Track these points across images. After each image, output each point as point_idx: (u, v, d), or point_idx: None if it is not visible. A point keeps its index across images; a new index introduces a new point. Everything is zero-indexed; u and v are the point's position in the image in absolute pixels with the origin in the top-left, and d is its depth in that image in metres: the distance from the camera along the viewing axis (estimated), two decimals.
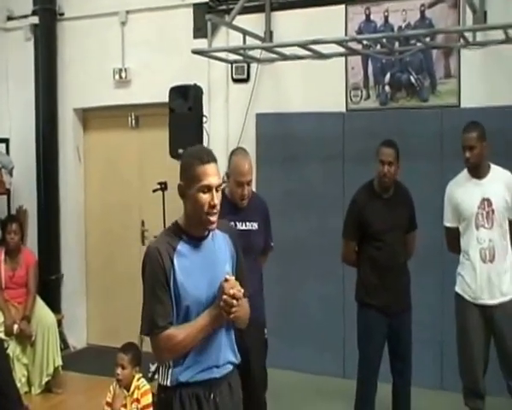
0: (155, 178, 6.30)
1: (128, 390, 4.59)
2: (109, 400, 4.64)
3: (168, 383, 2.71)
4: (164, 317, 2.64)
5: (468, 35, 5.26)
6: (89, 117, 7.62)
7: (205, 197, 2.65)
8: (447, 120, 5.73)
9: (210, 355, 2.74)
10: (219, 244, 2.82)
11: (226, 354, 2.80)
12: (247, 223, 4.25)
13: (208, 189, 2.65)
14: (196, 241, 2.73)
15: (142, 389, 4.62)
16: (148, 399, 4.61)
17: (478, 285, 4.45)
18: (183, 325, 2.66)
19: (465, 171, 4.57)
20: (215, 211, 2.68)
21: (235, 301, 2.63)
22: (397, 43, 5.76)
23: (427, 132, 5.79)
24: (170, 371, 2.70)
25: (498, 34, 5.13)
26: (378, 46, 5.72)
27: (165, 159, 6.06)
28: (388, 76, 5.99)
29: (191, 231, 2.72)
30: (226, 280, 2.66)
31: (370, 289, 4.68)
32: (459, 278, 4.58)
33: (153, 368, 6.17)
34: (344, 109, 6.18)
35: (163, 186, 6.25)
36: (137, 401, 4.59)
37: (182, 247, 2.69)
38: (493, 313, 4.43)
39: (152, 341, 2.68)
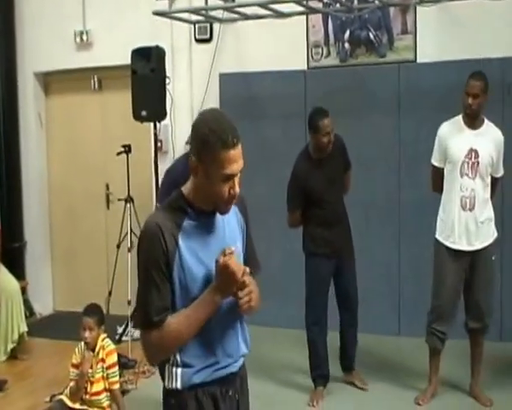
0: (119, 141, 6.57)
1: (93, 351, 4.77)
2: (75, 361, 4.81)
3: (179, 386, 2.40)
4: (159, 310, 2.30)
5: None
6: (50, 81, 7.77)
7: (225, 186, 2.31)
8: (404, 74, 6.18)
9: (227, 351, 2.46)
10: (229, 219, 2.48)
11: (241, 346, 2.53)
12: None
13: (231, 177, 2.32)
14: (205, 217, 2.40)
15: (107, 349, 4.81)
16: (114, 358, 4.83)
17: (456, 232, 4.79)
18: (179, 316, 2.33)
19: (459, 117, 4.84)
20: (234, 200, 2.37)
21: (248, 290, 2.37)
22: (356, 1, 6.13)
23: (386, 87, 6.23)
24: (179, 371, 2.40)
25: None
26: (337, 4, 6.07)
27: (128, 121, 6.30)
28: (348, 33, 6.39)
29: (199, 204, 2.38)
30: (224, 254, 2.31)
31: (317, 240, 5.14)
32: (439, 222, 4.92)
33: (120, 330, 6.51)
34: (305, 67, 6.56)
35: (127, 149, 6.52)
36: (103, 360, 4.76)
37: (188, 224, 2.35)
38: (469, 257, 4.81)
39: (144, 337, 2.36)
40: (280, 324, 6.46)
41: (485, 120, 4.86)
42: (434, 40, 6.10)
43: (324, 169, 5.06)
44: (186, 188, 2.42)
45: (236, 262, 2.33)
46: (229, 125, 2.32)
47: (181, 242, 2.31)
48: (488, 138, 4.80)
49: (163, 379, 2.46)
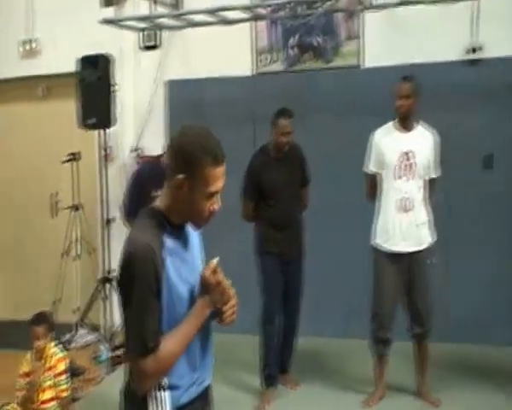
0: (67, 149, 6.62)
1: (41, 359, 4.80)
2: (24, 371, 4.82)
3: None
4: (154, 334, 2.23)
5: None
6: None
7: (208, 203, 2.31)
8: (350, 79, 6.34)
9: (205, 365, 2.48)
10: (193, 236, 2.49)
11: (212, 356, 2.54)
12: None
13: (215, 194, 2.32)
14: (178, 231, 2.37)
15: (57, 357, 4.85)
16: (63, 365, 4.87)
17: (394, 234, 4.91)
18: (172, 336, 2.28)
19: (392, 122, 4.99)
20: (213, 216, 2.36)
21: (233, 304, 2.41)
22: (302, 8, 6.20)
23: (332, 92, 6.38)
24: (167, 394, 2.33)
25: None
26: (284, 11, 6.18)
27: (76, 129, 6.38)
28: (294, 39, 6.51)
29: (174, 219, 2.35)
30: (212, 269, 2.34)
31: (268, 241, 5.26)
32: (376, 229, 5.03)
33: (67, 338, 6.53)
34: (252, 73, 6.67)
35: (74, 157, 6.59)
36: (51, 368, 4.79)
37: (168, 240, 2.29)
38: (406, 260, 4.92)
39: (138, 365, 2.24)
40: (232, 330, 6.48)
41: (419, 123, 4.99)
42: (379, 45, 6.26)
43: (280, 169, 5.20)
44: (161, 202, 2.36)
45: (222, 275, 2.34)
46: (216, 142, 2.32)
47: (167, 261, 2.26)
48: (422, 140, 4.94)
49: (144, 407, 2.33)
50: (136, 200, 4.82)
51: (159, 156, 5.19)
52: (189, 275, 2.34)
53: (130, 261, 2.21)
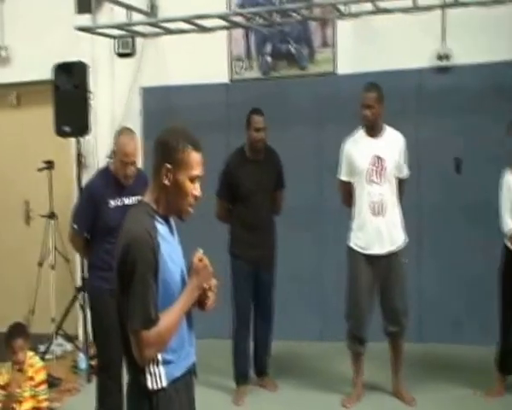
0: (40, 157, 6.66)
1: (21, 370, 4.79)
2: (2, 383, 4.79)
3: (164, 384, 2.63)
4: (155, 309, 2.55)
5: (343, 7, 6.01)
6: None
7: (192, 187, 2.66)
8: (324, 86, 6.58)
9: (191, 341, 2.78)
10: (173, 224, 2.82)
11: (194, 335, 2.83)
12: (133, 197, 4.46)
13: (196, 179, 2.67)
14: (165, 220, 2.71)
15: (36, 366, 4.88)
16: (43, 375, 4.91)
17: (368, 237, 5.11)
18: (169, 312, 2.59)
19: (361, 129, 5.21)
20: (196, 203, 2.70)
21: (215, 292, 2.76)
22: (277, 15, 6.40)
23: (307, 99, 6.61)
24: (162, 369, 2.63)
25: (370, 6, 5.92)
26: (259, 18, 6.33)
27: (50, 137, 6.41)
28: (269, 47, 6.74)
29: (161, 211, 2.68)
30: (199, 257, 2.69)
31: (240, 243, 5.47)
32: (351, 232, 5.23)
33: (42, 348, 6.53)
34: (227, 80, 6.86)
35: (49, 165, 6.63)
36: (31, 378, 4.82)
37: (160, 228, 2.64)
38: (381, 261, 5.13)
39: (141, 337, 2.53)
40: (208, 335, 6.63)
41: (386, 127, 5.22)
42: (353, 53, 6.52)
43: (255, 170, 5.40)
44: (149, 200, 2.70)
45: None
46: (194, 135, 2.70)
47: (161, 246, 2.58)
48: (390, 143, 5.17)
49: (140, 383, 2.64)
50: (87, 213, 4.73)
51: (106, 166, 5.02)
52: (177, 259, 2.71)
53: (130, 247, 2.54)
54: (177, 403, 2.69)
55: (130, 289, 2.54)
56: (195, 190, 2.67)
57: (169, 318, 2.58)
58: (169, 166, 2.61)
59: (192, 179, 2.65)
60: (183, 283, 2.69)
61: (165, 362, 2.64)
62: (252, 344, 5.63)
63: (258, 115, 5.41)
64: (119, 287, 2.60)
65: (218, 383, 5.73)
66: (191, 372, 2.81)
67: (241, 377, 5.54)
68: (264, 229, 5.48)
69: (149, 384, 2.63)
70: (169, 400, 2.66)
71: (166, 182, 2.63)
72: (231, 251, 5.52)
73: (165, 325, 2.56)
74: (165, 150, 2.64)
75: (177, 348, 2.68)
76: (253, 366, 5.67)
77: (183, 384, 2.73)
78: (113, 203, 4.60)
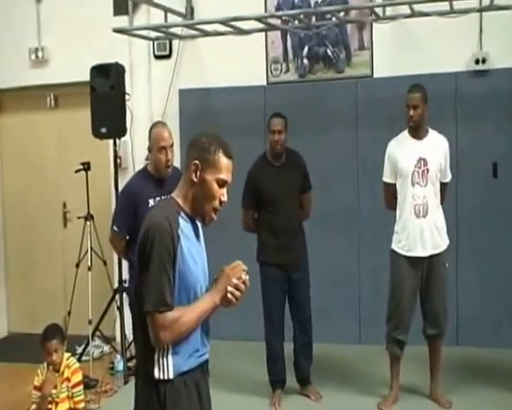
0: (77, 159, 6.70)
1: (58, 371, 4.87)
2: (38, 383, 4.89)
3: (171, 375, 2.69)
4: (171, 295, 2.63)
5: (379, 10, 5.99)
6: (5, 99, 7.90)
7: (218, 190, 2.72)
8: (361, 89, 6.58)
9: (203, 340, 2.82)
10: (200, 231, 2.88)
11: (209, 336, 2.88)
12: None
13: (224, 184, 2.73)
14: (191, 220, 2.77)
15: (73, 368, 4.94)
16: (79, 376, 4.97)
17: (411, 239, 5.13)
18: (187, 307, 2.68)
19: (405, 131, 5.23)
20: (221, 208, 2.76)
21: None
22: (314, 18, 6.45)
23: (344, 102, 6.61)
24: (170, 361, 2.69)
25: (406, 9, 5.88)
26: (296, 21, 6.40)
27: (87, 139, 6.47)
28: (306, 49, 6.76)
29: (187, 209, 2.74)
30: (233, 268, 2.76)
31: (269, 249, 5.47)
32: (395, 235, 5.25)
33: (79, 350, 6.64)
34: (265, 83, 6.89)
35: (86, 166, 6.66)
36: (68, 379, 4.89)
37: (183, 224, 2.70)
38: (424, 264, 5.15)
39: (156, 319, 2.62)
40: (239, 336, 6.78)
41: (430, 130, 5.23)
42: (390, 56, 6.53)
43: (277, 175, 5.41)
44: (177, 196, 2.78)
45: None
46: (227, 142, 2.79)
47: (181, 238, 2.66)
48: (434, 146, 5.18)
49: (148, 371, 2.71)
50: (126, 215, 4.83)
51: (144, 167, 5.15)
52: (199, 259, 2.78)
53: (150, 231, 2.64)
54: (185, 398, 2.75)
55: (147, 271, 2.62)
56: (222, 194, 2.74)
57: (186, 311, 2.65)
58: (198, 163, 2.70)
59: (219, 183, 2.72)
60: (205, 285, 2.78)
61: (174, 354, 2.70)
62: (291, 351, 5.60)
63: (276, 118, 5.43)
64: (138, 270, 2.69)
65: (256, 386, 5.78)
66: (203, 371, 2.87)
67: (275, 382, 5.56)
68: (290, 233, 5.45)
69: (156, 374, 2.70)
70: (177, 392, 2.72)
71: (194, 178, 2.71)
72: (259, 258, 5.53)
73: (182, 315, 2.63)
74: (197, 148, 2.73)
75: (187, 344, 2.72)
76: (294, 374, 5.65)
77: (193, 381, 2.78)
78: (152, 203, 4.66)
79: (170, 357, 2.70)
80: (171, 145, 4.75)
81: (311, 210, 5.67)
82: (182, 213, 2.72)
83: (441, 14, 5.85)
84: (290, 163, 5.50)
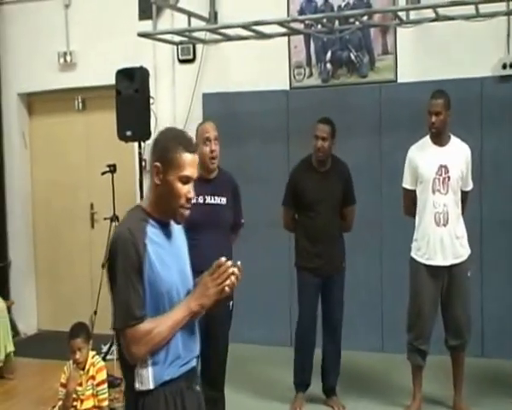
0: (104, 161, 6.76)
1: (83, 369, 4.94)
2: (64, 381, 4.95)
3: (151, 386, 2.63)
4: (140, 307, 2.57)
5: (402, 14, 5.91)
6: (34, 101, 8.02)
7: (184, 188, 2.67)
8: (385, 94, 6.49)
9: (190, 346, 2.76)
10: (177, 233, 2.84)
11: (197, 341, 2.84)
12: (216, 197, 4.66)
13: (188, 180, 2.68)
14: (163, 226, 2.73)
15: (98, 366, 5.00)
16: (104, 375, 5.02)
17: (431, 247, 5.03)
18: (160, 317, 2.62)
19: (427, 137, 5.14)
20: (190, 205, 2.71)
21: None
22: (337, 22, 6.40)
23: (367, 107, 6.53)
24: (150, 371, 2.63)
25: (430, 13, 5.81)
26: (319, 25, 6.34)
27: (113, 141, 6.51)
28: (329, 54, 6.69)
29: (156, 215, 2.71)
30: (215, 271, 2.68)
31: (304, 254, 5.42)
32: (414, 243, 5.17)
33: (105, 349, 6.67)
34: (288, 87, 6.85)
35: (112, 168, 6.72)
36: (93, 377, 4.95)
37: (151, 231, 2.66)
38: (445, 273, 5.05)
39: (127, 334, 2.57)
40: (265, 341, 6.76)
41: (452, 136, 5.14)
42: (414, 60, 6.42)
43: (319, 180, 5.34)
44: (144, 203, 2.78)
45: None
46: (189, 136, 2.76)
47: (149, 247, 2.61)
48: (456, 153, 5.08)
49: (129, 383, 2.67)
50: None
51: None
52: (174, 263, 2.71)
53: (114, 244, 2.61)
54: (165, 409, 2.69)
55: (114, 287, 2.60)
56: (187, 191, 2.69)
57: (159, 321, 2.60)
58: (159, 164, 2.66)
59: (183, 180, 2.66)
60: (185, 287, 2.73)
61: (154, 364, 2.63)
62: (320, 358, 5.57)
63: (321, 123, 5.34)
64: (108, 286, 2.66)
65: (279, 391, 5.76)
66: (189, 380, 2.78)
67: (299, 385, 5.53)
68: (326, 240, 5.37)
69: (136, 385, 2.64)
70: (156, 405, 2.66)
71: (157, 181, 2.67)
72: (295, 261, 5.51)
73: (154, 326, 2.58)
74: (156, 150, 2.70)
75: (167, 352, 2.66)
76: (321, 383, 5.59)
77: (175, 392, 2.71)
78: (193, 200, 4.65)
79: (149, 368, 2.63)
80: (216, 138, 4.72)
81: (353, 223, 5.59)
82: (150, 221, 2.68)
83: (467, 17, 5.77)
84: (334, 171, 5.41)
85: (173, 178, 2.65)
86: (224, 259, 2.69)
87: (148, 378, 2.64)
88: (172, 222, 2.77)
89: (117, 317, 2.59)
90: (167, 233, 2.74)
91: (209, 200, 4.64)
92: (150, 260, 2.60)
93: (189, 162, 2.67)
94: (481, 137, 6.17)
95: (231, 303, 4.79)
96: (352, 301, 6.34)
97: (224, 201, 4.71)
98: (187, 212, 2.72)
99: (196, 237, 4.14)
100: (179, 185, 2.66)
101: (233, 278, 2.67)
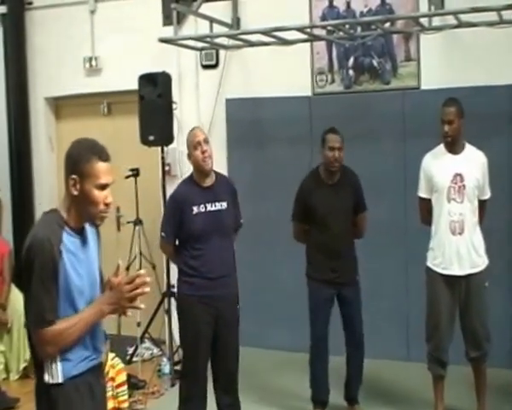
0: (128, 165, 6.79)
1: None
2: None
3: (60, 380, 2.79)
4: (52, 310, 2.72)
5: (425, 21, 5.83)
6: (60, 106, 8.11)
7: (101, 195, 2.79)
8: (408, 101, 6.38)
9: (96, 343, 2.94)
10: (90, 238, 2.96)
11: (102, 341, 3.04)
12: (217, 203, 4.68)
13: (105, 187, 2.80)
14: (77, 233, 2.85)
15: (117, 368, 5.11)
16: (123, 377, 5.12)
17: (447, 257, 4.95)
18: (70, 318, 2.77)
19: (441, 145, 5.06)
20: (109, 209, 2.85)
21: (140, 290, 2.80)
22: (359, 29, 6.33)
23: (390, 114, 6.43)
24: (59, 366, 2.79)
25: (453, 19, 5.72)
26: (341, 32, 6.24)
27: (137, 145, 6.55)
28: (352, 60, 6.62)
29: (72, 222, 2.82)
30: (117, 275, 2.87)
31: (315, 266, 5.34)
32: (430, 252, 5.08)
33: (130, 351, 6.75)
34: (310, 93, 6.79)
35: (135, 172, 6.77)
36: (112, 379, 5.03)
37: (66, 238, 2.78)
38: (461, 283, 4.96)
39: (39, 335, 2.73)
40: (287, 347, 6.68)
41: (467, 144, 5.03)
42: (438, 67, 6.30)
43: (329, 194, 5.24)
44: (61, 208, 2.87)
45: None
46: (101, 145, 2.90)
47: (64, 254, 2.76)
48: (471, 161, 4.98)
49: (39, 376, 2.83)
50: (173, 222, 4.81)
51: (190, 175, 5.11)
52: (85, 270, 2.86)
53: (30, 250, 2.73)
54: (78, 403, 2.85)
55: (29, 288, 2.73)
56: (105, 197, 2.81)
57: (70, 323, 2.75)
58: (75, 177, 2.78)
59: (100, 188, 2.79)
60: (93, 294, 2.88)
61: (63, 360, 2.80)
62: (343, 366, 5.49)
63: (333, 134, 5.22)
64: (22, 286, 2.79)
65: (299, 400, 5.71)
66: (96, 374, 2.97)
67: (316, 401, 5.44)
68: (339, 255, 5.27)
69: (46, 378, 2.80)
70: (68, 395, 2.82)
71: (75, 192, 2.79)
72: (307, 273, 5.42)
73: (65, 328, 2.73)
74: (70, 163, 2.82)
75: (77, 350, 2.83)
76: (344, 391, 5.52)
77: (85, 383, 2.88)
78: (196, 210, 4.67)
79: (59, 363, 2.79)
80: (206, 140, 4.72)
81: (365, 229, 5.51)
82: (66, 228, 2.80)
83: (489, 24, 5.64)
84: (344, 182, 5.31)
85: (90, 187, 2.77)
86: (143, 271, 2.89)
87: (57, 373, 2.80)
88: (87, 226, 2.92)
89: (30, 318, 2.76)
90: (82, 240, 2.88)
91: (210, 207, 4.66)
92: (65, 268, 2.75)
93: (104, 171, 2.80)
94: (509, 145, 6.02)
95: (238, 307, 4.83)
96: (378, 308, 6.30)
97: (224, 205, 4.73)
98: (106, 214, 2.86)
99: (202, 246, 4.26)
100: (96, 193, 2.78)
101: (146, 289, 2.79)
